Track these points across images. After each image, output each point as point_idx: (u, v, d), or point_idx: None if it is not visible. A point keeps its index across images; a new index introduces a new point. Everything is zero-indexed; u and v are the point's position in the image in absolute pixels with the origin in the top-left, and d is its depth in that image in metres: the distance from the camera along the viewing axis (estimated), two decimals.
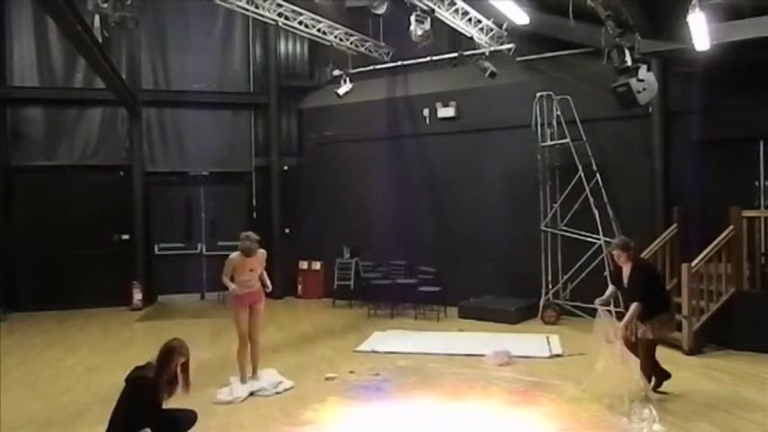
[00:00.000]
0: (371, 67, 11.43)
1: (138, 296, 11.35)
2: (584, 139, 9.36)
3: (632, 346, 5.65)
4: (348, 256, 11.72)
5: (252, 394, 6.03)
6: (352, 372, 6.82)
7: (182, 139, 12.38)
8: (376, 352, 7.75)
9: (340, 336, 8.86)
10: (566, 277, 9.51)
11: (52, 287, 11.32)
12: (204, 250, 12.32)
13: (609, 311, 5.78)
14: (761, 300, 7.29)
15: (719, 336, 7.40)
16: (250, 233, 6.18)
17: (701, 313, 7.40)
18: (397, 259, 10.89)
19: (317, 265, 12.29)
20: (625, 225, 9.09)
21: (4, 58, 11.50)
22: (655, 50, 8.16)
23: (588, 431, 5.01)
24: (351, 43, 10.70)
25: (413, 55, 10.72)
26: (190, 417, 4.70)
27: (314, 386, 6.33)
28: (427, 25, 7.70)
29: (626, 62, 7.49)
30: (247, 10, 8.95)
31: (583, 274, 9.16)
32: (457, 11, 8.57)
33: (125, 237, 11.84)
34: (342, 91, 10.82)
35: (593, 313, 5.93)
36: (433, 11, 7.88)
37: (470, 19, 8.95)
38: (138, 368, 4.47)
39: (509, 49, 9.97)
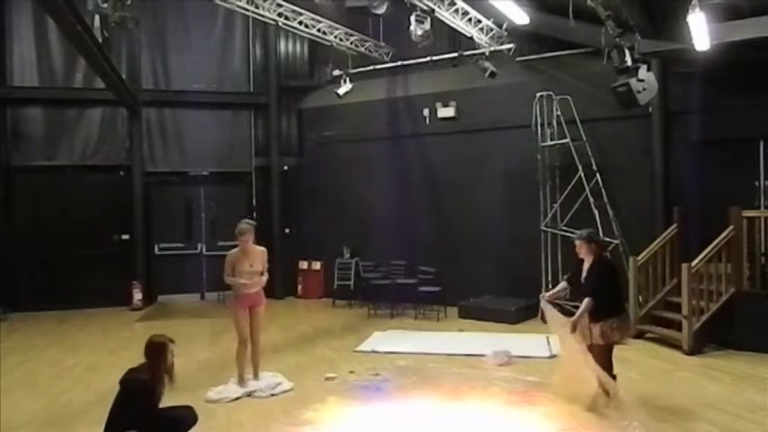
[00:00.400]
0: (371, 67, 11.41)
1: (138, 296, 11.35)
2: (584, 139, 9.38)
3: (589, 347, 5.40)
4: (348, 256, 11.72)
5: (249, 395, 6.02)
6: (352, 372, 6.82)
7: (182, 139, 12.37)
8: (376, 352, 7.75)
9: (340, 336, 8.86)
10: (565, 277, 9.48)
11: (52, 287, 11.31)
12: (204, 250, 12.32)
13: (558, 305, 5.66)
14: (761, 300, 7.29)
15: (719, 336, 7.41)
16: (247, 218, 6.25)
17: (701, 313, 7.40)
18: (396, 259, 10.89)
19: (317, 265, 12.29)
20: (625, 225, 9.12)
21: (4, 58, 11.49)
22: (655, 50, 8.14)
23: (588, 431, 5.01)
24: (351, 43, 10.69)
25: (413, 55, 10.69)
26: (190, 416, 4.60)
27: (314, 386, 6.32)
28: (427, 25, 7.70)
29: (626, 62, 7.50)
30: (247, 10, 8.95)
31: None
32: (457, 11, 8.57)
33: (125, 237, 11.84)
34: (342, 91, 10.82)
35: None
36: (432, 11, 7.88)
37: (470, 19, 8.95)
38: (131, 370, 4.35)
39: (509, 49, 9.96)
